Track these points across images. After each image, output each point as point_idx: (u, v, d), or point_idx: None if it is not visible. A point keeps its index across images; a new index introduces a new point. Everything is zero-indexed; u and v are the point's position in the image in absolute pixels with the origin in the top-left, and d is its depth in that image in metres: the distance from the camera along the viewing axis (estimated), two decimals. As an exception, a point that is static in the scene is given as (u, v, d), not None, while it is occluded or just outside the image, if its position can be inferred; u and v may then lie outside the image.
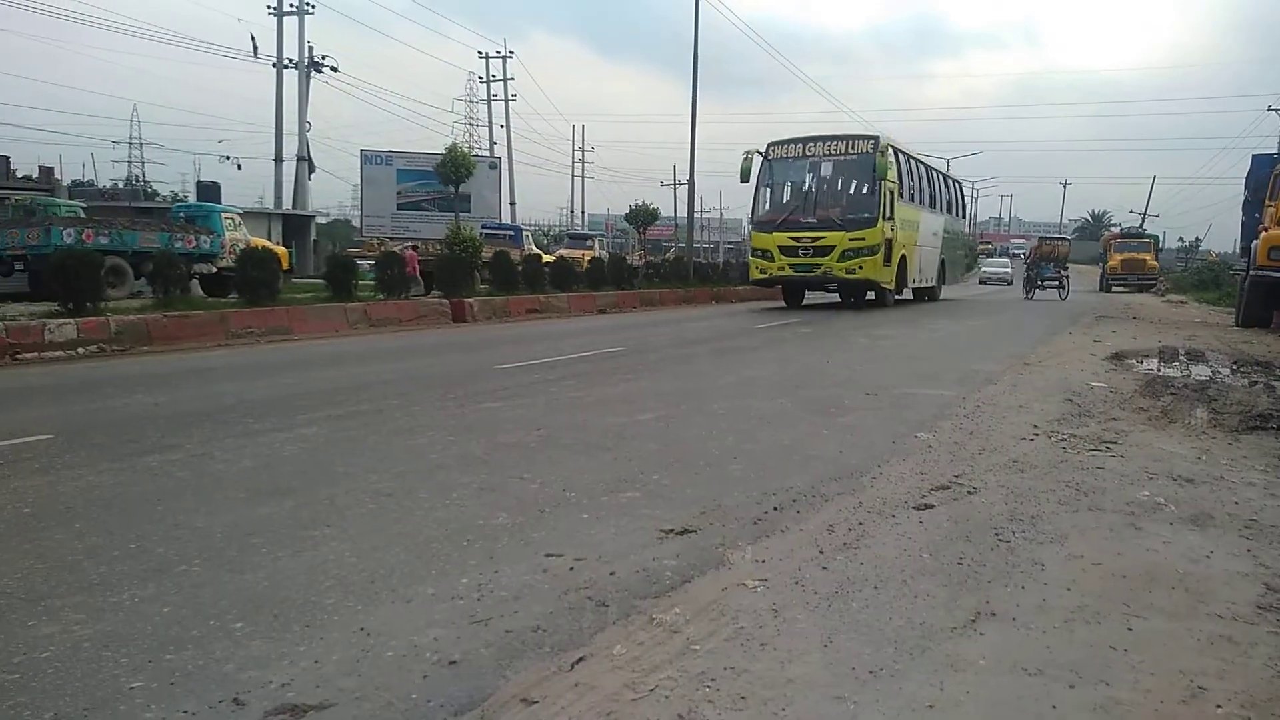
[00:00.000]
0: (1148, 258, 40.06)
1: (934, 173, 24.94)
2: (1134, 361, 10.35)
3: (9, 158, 40.41)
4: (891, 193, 19.40)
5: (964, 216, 31.37)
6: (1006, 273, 48.20)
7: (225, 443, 5.46)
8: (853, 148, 19.56)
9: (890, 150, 19.66)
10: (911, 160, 22.21)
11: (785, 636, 2.77)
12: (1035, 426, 6.15)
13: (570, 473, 4.76)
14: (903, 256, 20.73)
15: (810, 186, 19.93)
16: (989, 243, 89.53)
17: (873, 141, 19.59)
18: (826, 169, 19.65)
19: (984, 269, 49.13)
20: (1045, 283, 27.99)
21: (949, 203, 26.47)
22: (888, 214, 19.29)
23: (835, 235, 19.11)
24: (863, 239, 19.02)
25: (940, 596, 3.11)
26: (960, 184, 29.76)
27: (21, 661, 2.52)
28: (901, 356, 10.83)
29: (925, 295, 25.02)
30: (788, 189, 20.36)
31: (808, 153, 19.86)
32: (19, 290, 16.41)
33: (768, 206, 20.43)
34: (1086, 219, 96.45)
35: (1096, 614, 2.98)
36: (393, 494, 4.32)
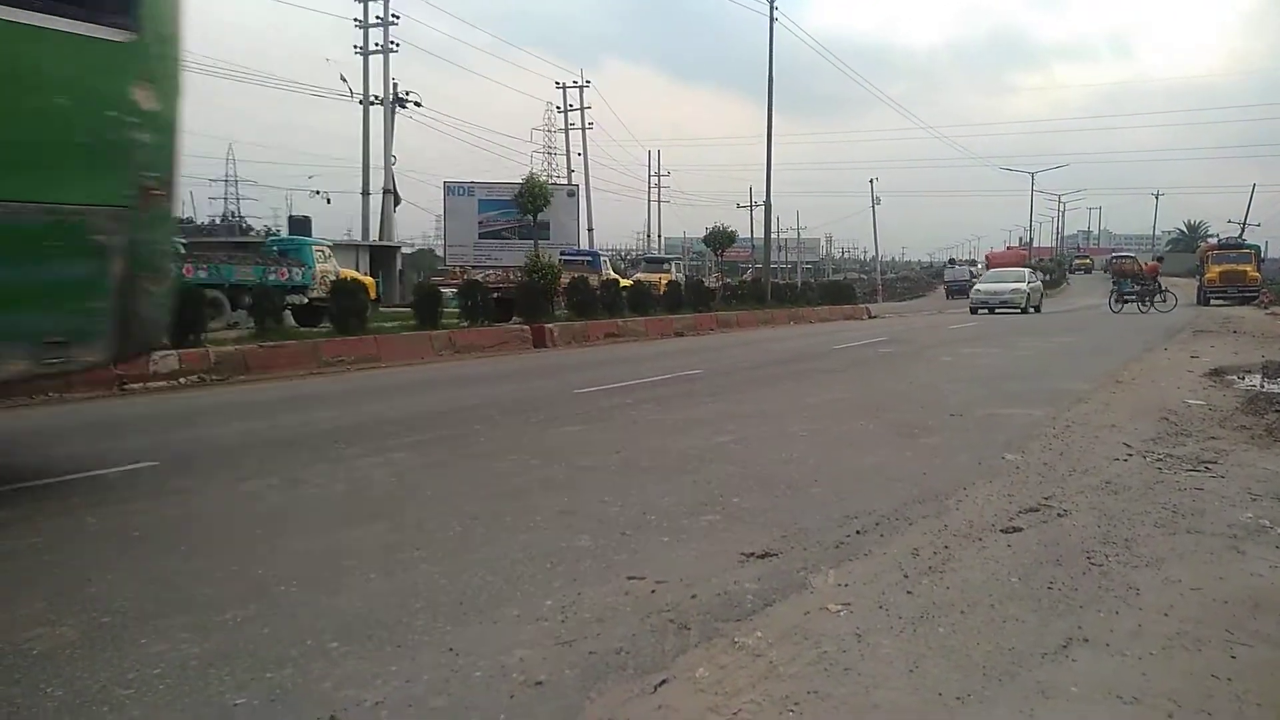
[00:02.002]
0: (1248, 269, 38.30)
1: None
2: (1235, 378, 9.92)
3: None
4: None
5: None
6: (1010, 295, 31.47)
7: (318, 468, 5.65)
8: None
9: None
10: None
11: (869, 661, 2.75)
12: (1129, 446, 5.96)
13: (650, 496, 4.80)
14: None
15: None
16: (1086, 256, 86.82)
17: None
18: None
19: (977, 288, 34.42)
20: (1126, 297, 29.34)
21: None
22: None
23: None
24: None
25: (1030, 622, 3.05)
26: None
27: (135, 678, 2.66)
28: (987, 376, 10.60)
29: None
30: None
31: None
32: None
33: None
34: (1181, 230, 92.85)
35: (1197, 641, 2.88)
36: (478, 517, 4.41)
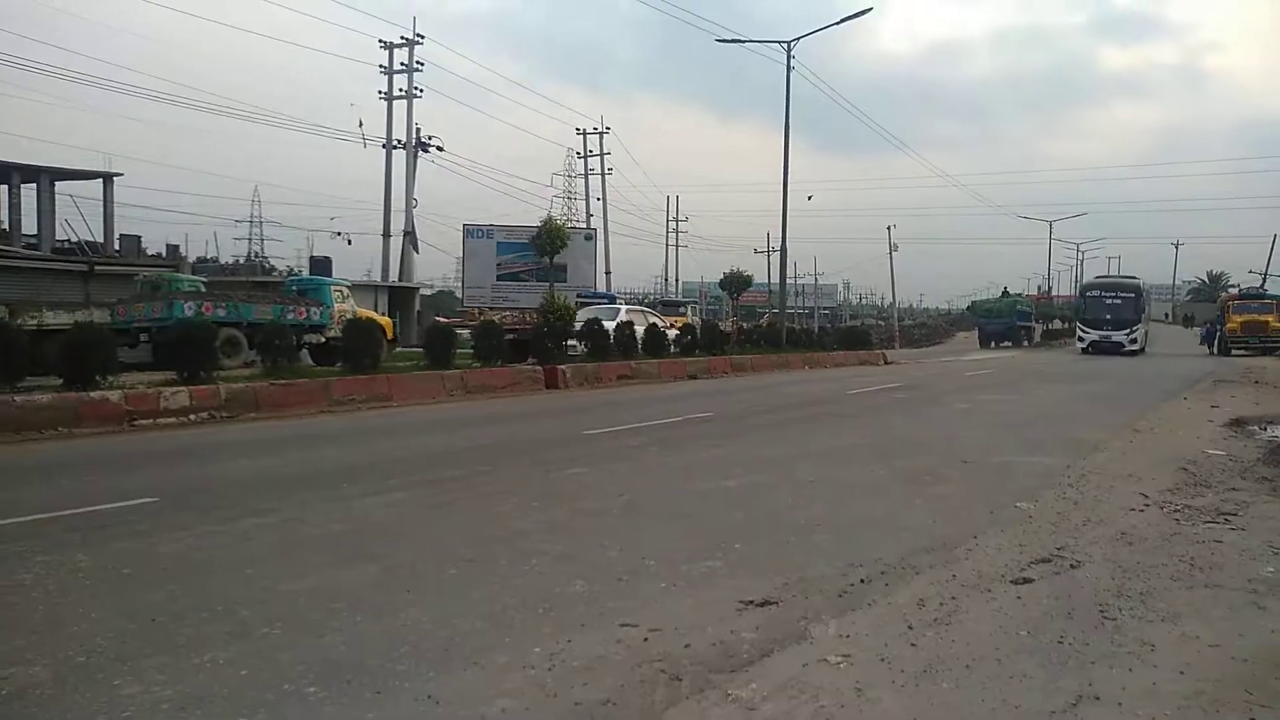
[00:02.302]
0: (1270, 319, 38.02)
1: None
2: (1256, 428, 9.73)
3: (140, 237, 43.16)
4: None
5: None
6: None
7: (318, 507, 5.58)
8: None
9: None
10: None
11: (868, 717, 2.63)
12: (1146, 497, 5.80)
13: (651, 540, 4.69)
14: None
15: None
16: None
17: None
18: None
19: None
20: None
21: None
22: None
23: None
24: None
25: (1038, 678, 2.92)
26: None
27: (104, 721, 2.57)
28: (1002, 423, 10.44)
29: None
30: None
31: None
32: (143, 361, 17.36)
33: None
34: (1201, 280, 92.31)
35: (1215, 701, 2.74)
36: (474, 560, 4.32)
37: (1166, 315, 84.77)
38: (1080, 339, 38.42)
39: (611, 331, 20.21)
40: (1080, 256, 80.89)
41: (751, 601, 3.66)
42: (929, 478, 6.59)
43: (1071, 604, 3.66)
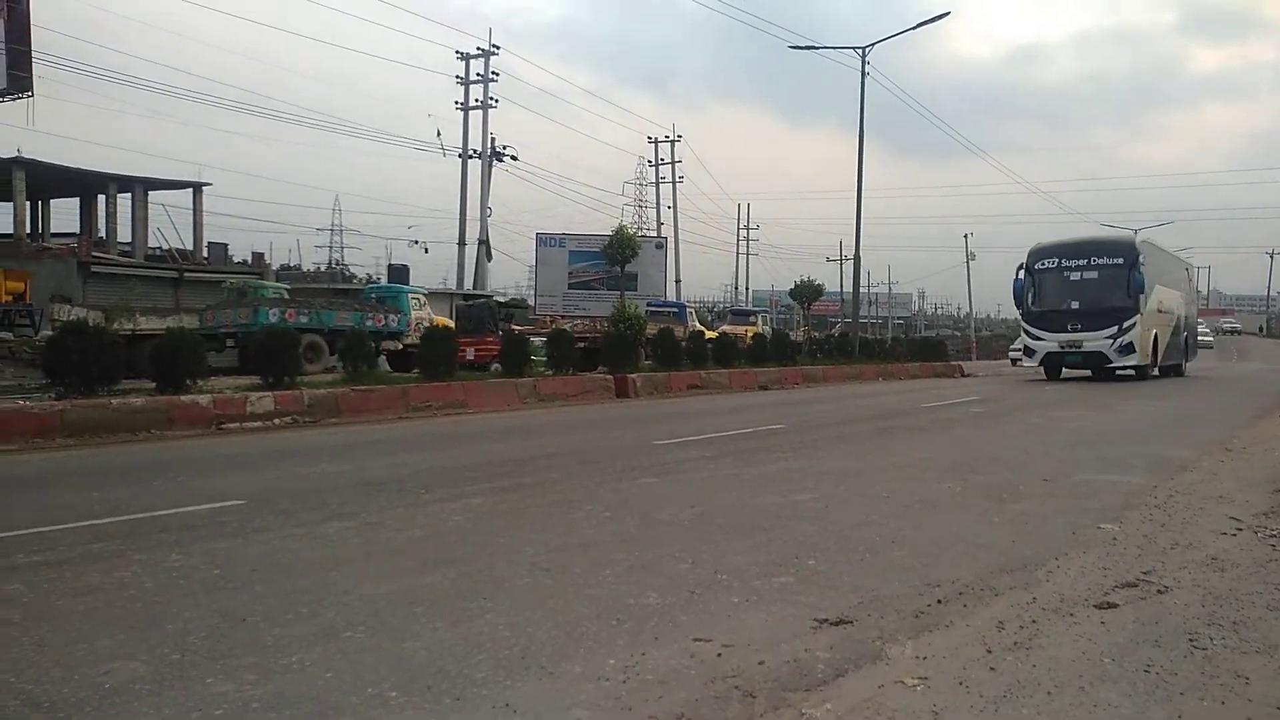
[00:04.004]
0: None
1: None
2: (1361, 449, 9.26)
3: (227, 245, 44.75)
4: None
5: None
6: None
7: (397, 511, 5.72)
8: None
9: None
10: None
11: (945, 742, 2.59)
12: (1238, 520, 5.58)
13: (723, 553, 4.69)
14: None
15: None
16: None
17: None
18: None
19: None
20: None
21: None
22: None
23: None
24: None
25: (1124, 708, 2.84)
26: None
27: (198, 718, 2.68)
28: (1083, 440, 10.15)
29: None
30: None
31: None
32: (230, 365, 17.99)
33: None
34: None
35: (1313, 739, 2.63)
36: (548, 569, 4.38)
37: (1261, 329, 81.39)
38: (1023, 353, 23.82)
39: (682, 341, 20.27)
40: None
41: (826, 619, 3.64)
42: (1007, 495, 6.45)
43: (1159, 631, 3.55)
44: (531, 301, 42.65)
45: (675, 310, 31.88)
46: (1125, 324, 20.97)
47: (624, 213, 62.06)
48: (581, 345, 19.33)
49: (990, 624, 3.62)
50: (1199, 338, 53.76)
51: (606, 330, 20.86)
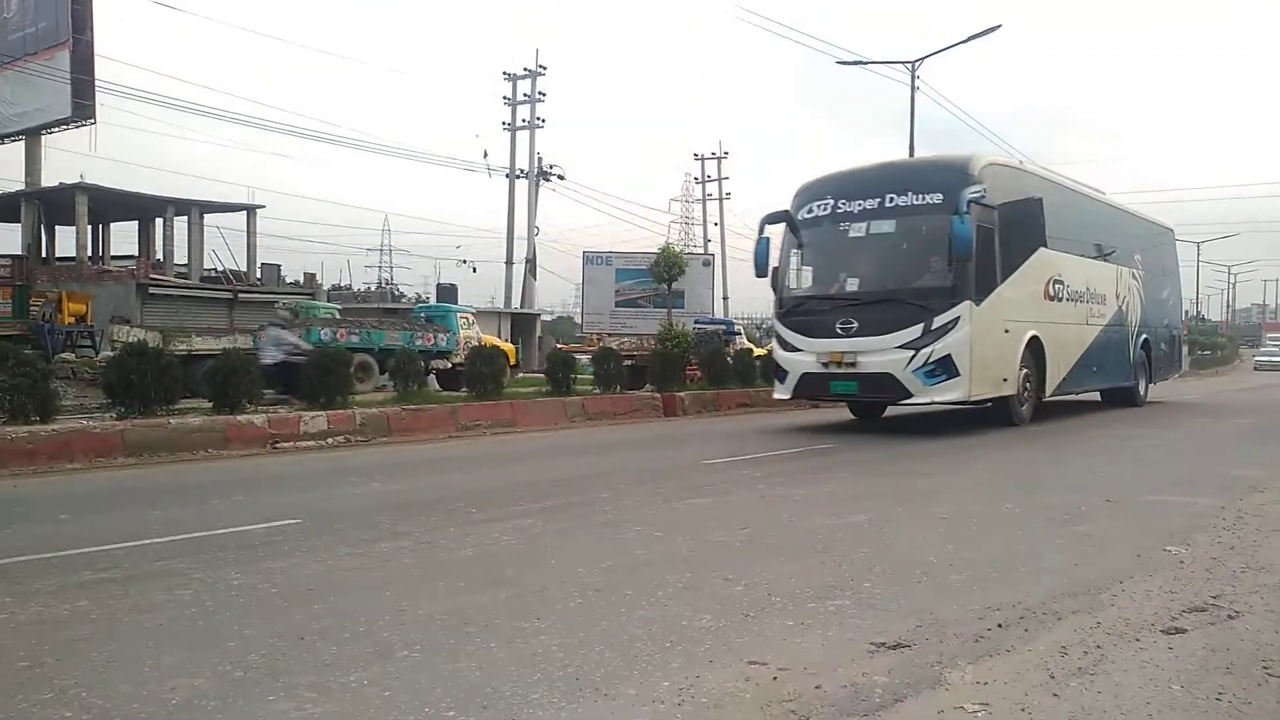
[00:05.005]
0: None
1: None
2: None
3: (280, 266, 45.67)
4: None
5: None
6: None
7: (449, 531, 5.76)
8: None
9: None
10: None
11: (1010, 771, 2.53)
12: (1312, 543, 5.40)
13: (776, 575, 4.65)
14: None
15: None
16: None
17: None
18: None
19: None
20: None
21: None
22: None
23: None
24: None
25: (1196, 738, 2.75)
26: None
27: (260, 735, 2.72)
28: (1151, 459, 9.90)
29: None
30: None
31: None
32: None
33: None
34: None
35: (1400, 775, 2.52)
36: (600, 589, 4.37)
37: None
38: (776, 374, 13.35)
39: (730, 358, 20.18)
40: (1232, 279, 75.84)
41: (883, 643, 3.58)
42: (1069, 516, 6.30)
43: (1230, 657, 3.44)
44: (578, 320, 42.91)
45: (723, 327, 31.82)
46: (937, 321, 11.19)
47: (670, 230, 62.20)
48: (629, 363, 19.35)
49: (1053, 649, 3.54)
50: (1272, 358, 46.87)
51: (653, 348, 20.87)
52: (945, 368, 11.32)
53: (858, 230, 12.20)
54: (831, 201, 12.57)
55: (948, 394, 11.56)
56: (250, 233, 41.89)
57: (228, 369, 11.54)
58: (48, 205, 38.27)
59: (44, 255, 39.65)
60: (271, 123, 51.02)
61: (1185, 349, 23.70)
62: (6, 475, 8.38)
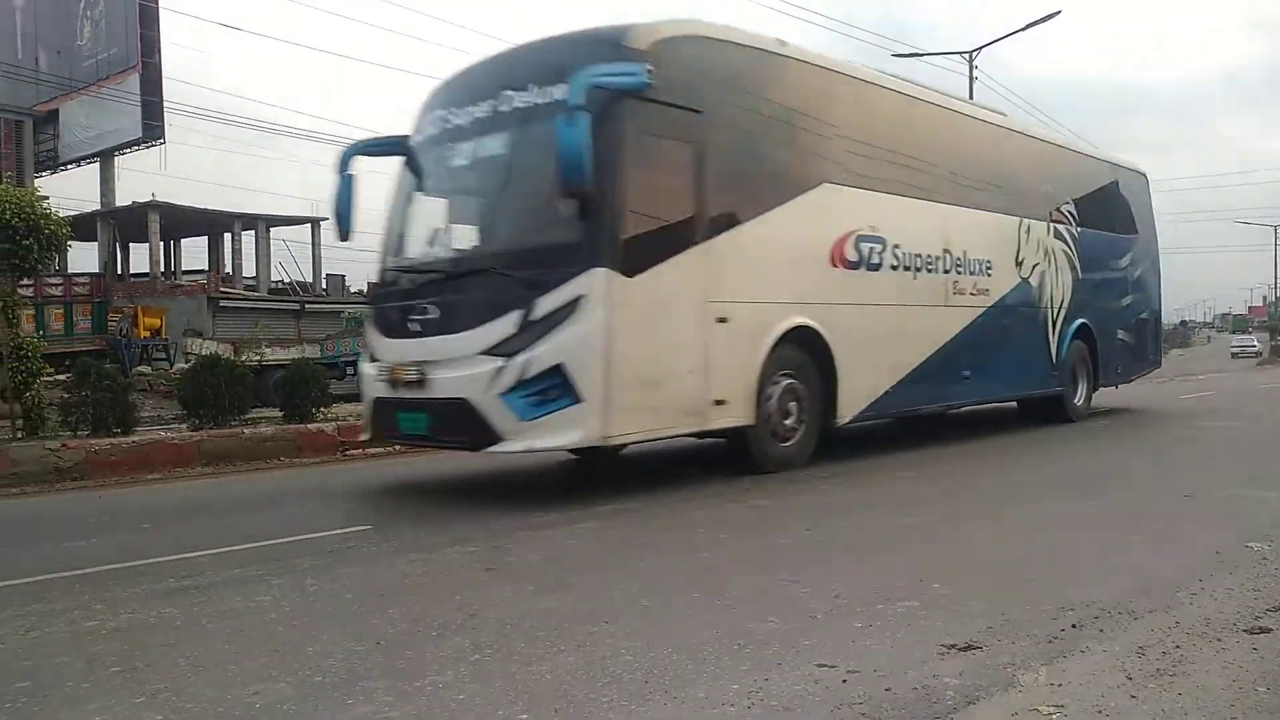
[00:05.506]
0: None
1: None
2: None
3: (344, 276, 46.70)
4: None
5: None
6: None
7: (516, 536, 5.83)
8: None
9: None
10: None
11: (1088, 775, 2.49)
12: (1404, 538, 5.19)
13: (842, 577, 4.63)
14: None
15: None
16: None
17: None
18: None
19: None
20: None
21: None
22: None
23: None
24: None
25: (1283, 742, 2.68)
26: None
27: (341, 738, 2.81)
28: (1227, 452, 9.61)
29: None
30: None
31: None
32: (351, 392, 18.70)
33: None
34: None
35: None
36: (666, 593, 4.40)
37: None
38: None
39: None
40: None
41: (953, 645, 3.55)
42: (1144, 513, 6.16)
43: (1319, 659, 3.34)
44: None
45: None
46: (541, 307, 6.55)
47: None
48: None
49: (1129, 649, 3.47)
50: None
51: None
52: (556, 387, 6.45)
53: (462, 154, 7.59)
54: (442, 113, 7.77)
55: (562, 435, 6.64)
56: (315, 244, 42.88)
57: (297, 379, 11.84)
58: (122, 224, 39.70)
59: (120, 272, 41.11)
60: (332, 137, 52.23)
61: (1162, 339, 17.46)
62: (92, 486, 8.73)
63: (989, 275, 10.77)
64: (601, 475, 8.36)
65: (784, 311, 8.02)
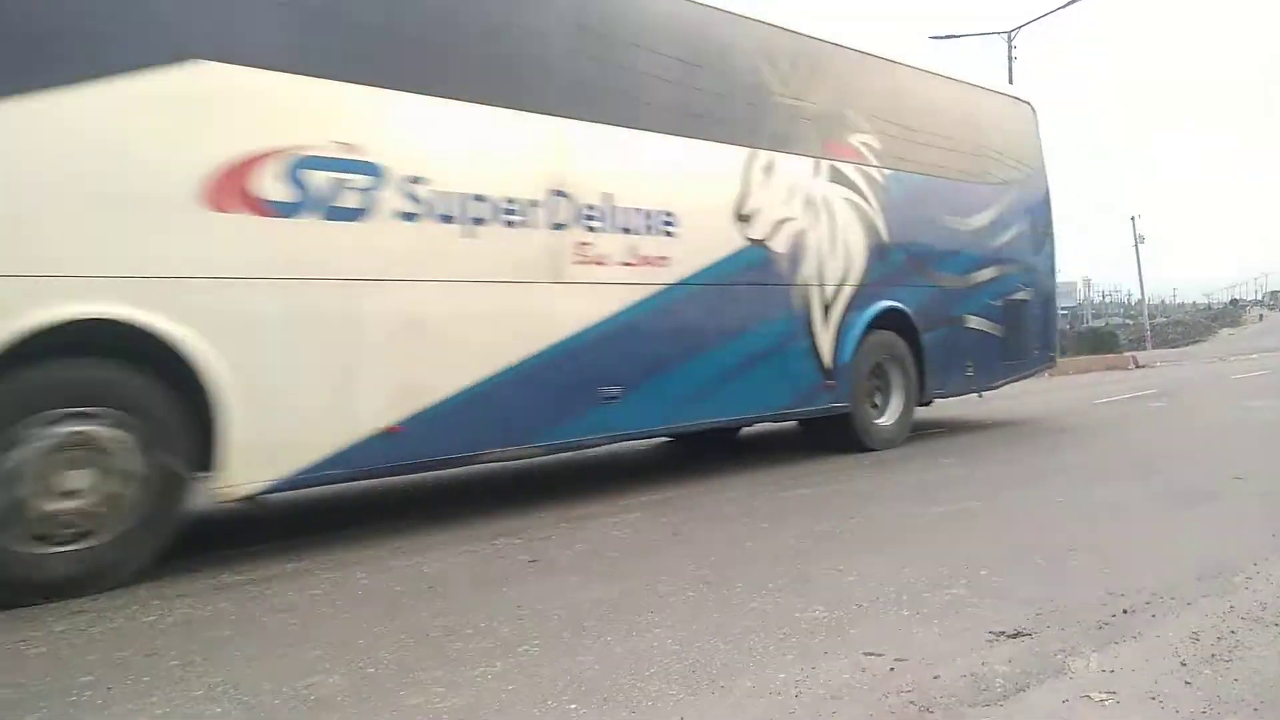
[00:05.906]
0: None
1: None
2: None
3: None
4: None
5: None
6: None
7: (560, 528, 5.88)
8: None
9: None
10: None
11: (1141, 762, 2.47)
12: None
13: (888, 565, 4.60)
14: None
15: None
16: None
17: None
18: None
19: None
20: None
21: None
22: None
23: None
24: None
25: (1345, 728, 2.62)
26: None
27: (394, 728, 2.86)
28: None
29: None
30: None
31: None
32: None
33: None
34: None
35: None
36: (710, 582, 4.41)
37: None
38: None
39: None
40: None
41: (1003, 632, 3.52)
42: (1195, 496, 6.04)
43: (1381, 643, 3.26)
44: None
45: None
46: None
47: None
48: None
49: (1183, 635, 3.42)
50: None
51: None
52: None
53: None
54: None
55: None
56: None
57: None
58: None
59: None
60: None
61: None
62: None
63: (669, 235, 6.96)
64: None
65: (54, 293, 4.21)
